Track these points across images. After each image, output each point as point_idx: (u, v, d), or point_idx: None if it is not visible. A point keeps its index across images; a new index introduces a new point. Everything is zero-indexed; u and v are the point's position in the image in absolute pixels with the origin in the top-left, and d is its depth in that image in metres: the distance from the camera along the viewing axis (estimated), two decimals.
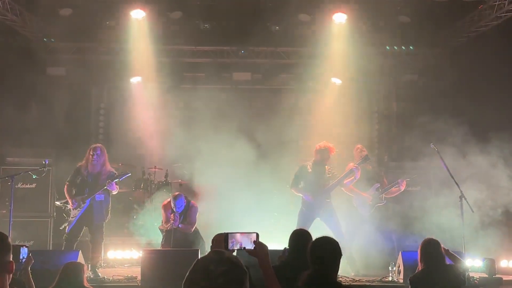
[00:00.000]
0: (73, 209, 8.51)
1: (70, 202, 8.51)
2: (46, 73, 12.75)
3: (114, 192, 8.81)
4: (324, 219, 9.18)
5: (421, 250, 5.63)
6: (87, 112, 12.88)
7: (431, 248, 5.58)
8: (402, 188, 9.31)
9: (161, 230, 9.23)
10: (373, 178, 9.47)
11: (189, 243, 8.94)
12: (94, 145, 8.84)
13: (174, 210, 8.94)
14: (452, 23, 12.46)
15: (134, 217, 11.11)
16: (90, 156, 8.65)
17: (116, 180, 8.53)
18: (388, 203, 9.55)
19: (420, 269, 5.57)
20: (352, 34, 12.11)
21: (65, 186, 8.69)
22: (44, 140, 11.50)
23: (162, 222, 9.26)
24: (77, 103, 12.54)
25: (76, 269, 5.68)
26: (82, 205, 8.47)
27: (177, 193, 9.30)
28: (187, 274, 2.36)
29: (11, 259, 3.38)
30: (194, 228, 9.14)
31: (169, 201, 9.12)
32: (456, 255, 6.00)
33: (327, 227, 9.01)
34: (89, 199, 8.48)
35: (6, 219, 8.74)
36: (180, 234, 8.87)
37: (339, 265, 4.21)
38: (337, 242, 4.27)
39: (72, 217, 8.49)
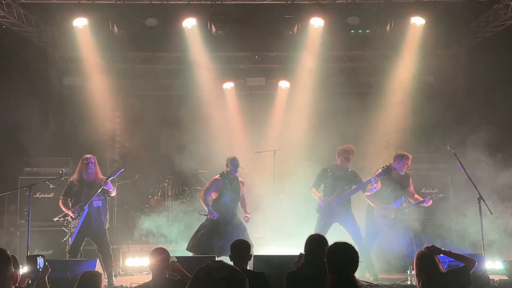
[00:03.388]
0: (73, 220, 8.53)
1: (70, 212, 8.51)
2: (62, 83, 12.88)
3: (113, 194, 8.90)
4: (342, 223, 9.07)
5: (416, 266, 5.39)
6: (103, 121, 12.96)
7: (425, 262, 5.34)
8: (427, 205, 9.12)
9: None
10: (400, 187, 9.15)
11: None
12: (86, 156, 8.90)
13: (232, 172, 9.08)
14: (467, 23, 12.38)
15: (152, 224, 11.13)
16: (84, 166, 8.75)
17: (111, 178, 8.68)
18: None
19: (418, 287, 5.30)
20: (366, 37, 12.07)
21: (60, 200, 8.72)
22: (61, 150, 11.60)
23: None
24: (93, 112, 12.63)
25: (94, 278, 5.68)
26: (81, 213, 8.49)
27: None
28: (189, 283, 2.42)
29: (13, 271, 3.41)
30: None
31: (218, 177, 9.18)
32: (459, 253, 5.75)
33: (345, 231, 8.93)
34: (87, 205, 8.51)
35: (25, 229, 8.84)
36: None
37: (356, 267, 4.18)
38: (353, 247, 4.24)
39: (73, 227, 8.50)
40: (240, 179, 9.27)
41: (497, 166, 9.66)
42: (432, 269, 5.31)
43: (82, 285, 5.55)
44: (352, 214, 9.09)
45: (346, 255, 4.19)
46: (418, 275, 5.37)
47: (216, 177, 9.22)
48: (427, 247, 5.57)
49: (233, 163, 9.08)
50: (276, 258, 7.75)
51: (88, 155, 8.92)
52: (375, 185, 8.61)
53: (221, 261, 2.51)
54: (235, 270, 2.47)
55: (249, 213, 9.10)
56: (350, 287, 4.09)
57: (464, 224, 9.38)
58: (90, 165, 8.73)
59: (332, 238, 4.82)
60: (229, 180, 9.12)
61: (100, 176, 8.83)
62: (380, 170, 8.72)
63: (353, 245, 4.27)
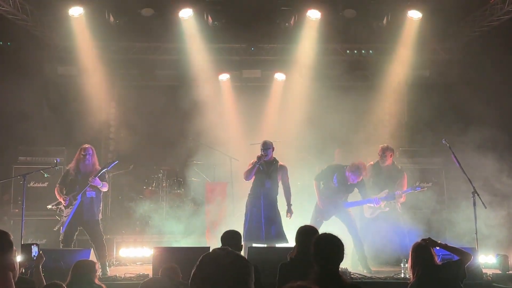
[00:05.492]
0: (65, 208, 8.53)
1: (62, 200, 8.52)
2: (57, 72, 12.81)
3: (104, 189, 8.83)
4: (337, 215, 9.10)
5: (411, 258, 5.38)
6: (98, 111, 12.91)
7: (421, 254, 5.33)
8: (399, 201, 9.07)
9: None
10: (392, 177, 9.25)
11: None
12: (84, 146, 8.84)
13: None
14: (463, 17, 12.35)
15: (146, 215, 11.12)
16: (82, 156, 8.71)
17: (105, 169, 8.69)
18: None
19: (413, 279, 5.31)
20: (362, 30, 12.04)
21: (56, 189, 8.73)
22: (55, 139, 11.56)
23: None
24: (88, 102, 12.58)
25: (88, 267, 5.70)
26: (74, 202, 8.48)
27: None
28: (194, 269, 2.40)
29: (12, 258, 3.38)
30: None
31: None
32: (455, 246, 5.76)
33: (341, 222, 8.97)
34: (80, 195, 8.50)
35: (19, 218, 8.82)
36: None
37: (342, 259, 4.18)
38: (339, 239, 4.24)
39: (65, 216, 8.50)
40: (280, 163, 8.98)
41: (493, 160, 9.69)
42: (427, 261, 5.31)
43: (76, 274, 5.56)
44: (348, 210, 9.13)
45: (330, 248, 4.18)
46: (413, 267, 5.37)
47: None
48: (423, 239, 5.56)
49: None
50: (270, 250, 7.79)
51: (87, 146, 8.86)
52: (377, 204, 8.81)
53: (227, 249, 2.48)
54: (242, 257, 2.46)
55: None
56: (334, 281, 4.07)
57: (458, 218, 9.41)
58: (87, 156, 8.70)
59: (329, 230, 4.81)
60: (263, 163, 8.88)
61: (97, 166, 8.81)
62: (384, 194, 8.89)
63: (346, 237, 4.28)
